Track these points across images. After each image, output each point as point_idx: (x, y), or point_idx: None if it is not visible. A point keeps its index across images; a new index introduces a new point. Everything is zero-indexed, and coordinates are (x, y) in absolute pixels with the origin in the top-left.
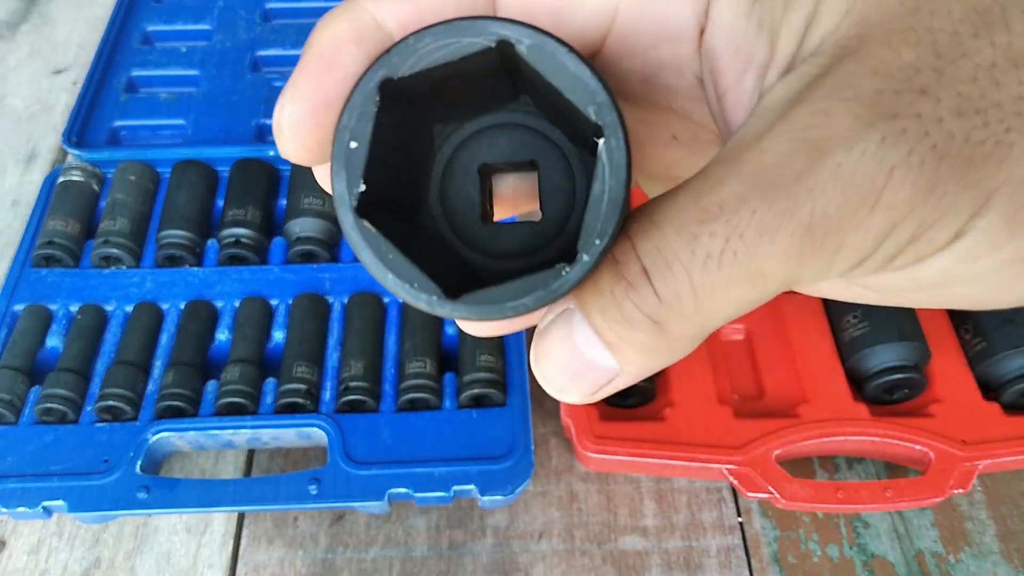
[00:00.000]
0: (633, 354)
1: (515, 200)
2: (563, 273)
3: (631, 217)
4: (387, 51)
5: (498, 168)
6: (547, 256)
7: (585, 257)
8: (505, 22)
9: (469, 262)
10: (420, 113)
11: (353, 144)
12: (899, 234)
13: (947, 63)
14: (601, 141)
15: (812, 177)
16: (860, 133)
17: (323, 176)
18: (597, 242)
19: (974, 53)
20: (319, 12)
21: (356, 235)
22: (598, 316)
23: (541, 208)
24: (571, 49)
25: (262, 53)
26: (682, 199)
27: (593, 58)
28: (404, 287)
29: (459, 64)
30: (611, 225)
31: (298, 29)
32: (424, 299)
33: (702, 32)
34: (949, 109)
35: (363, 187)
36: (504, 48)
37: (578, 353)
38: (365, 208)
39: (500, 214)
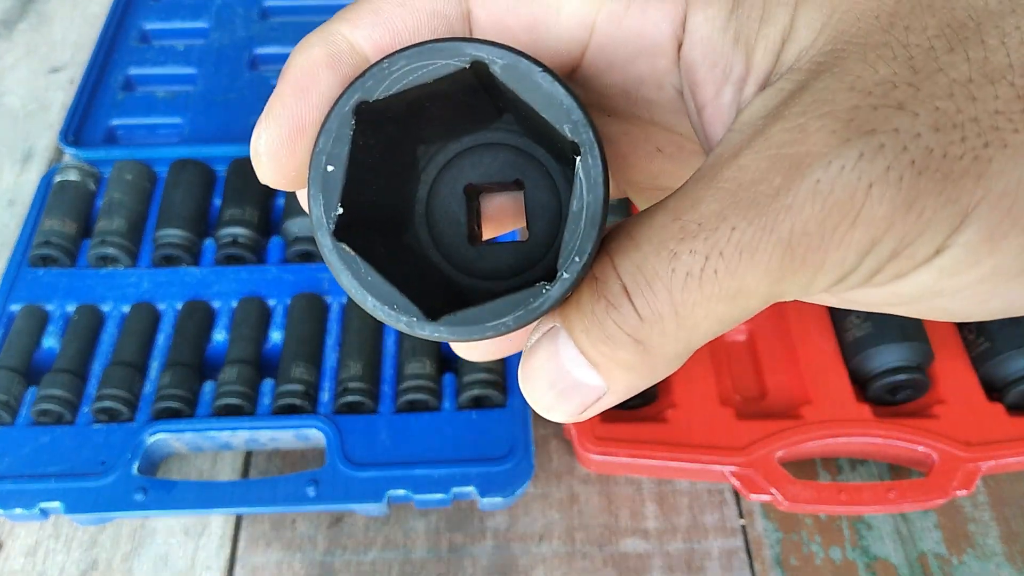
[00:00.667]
0: (618, 372)
1: (502, 219)
2: (544, 291)
3: (611, 235)
4: (361, 74)
5: (484, 188)
6: (534, 275)
7: (565, 275)
8: (479, 43)
9: (456, 283)
10: (401, 134)
11: (330, 168)
12: (880, 250)
13: (923, 78)
14: (578, 159)
15: (791, 194)
16: (838, 149)
17: (304, 200)
18: (576, 259)
19: (950, 68)
20: (316, 10)
21: (335, 258)
22: (582, 335)
23: (528, 226)
24: (544, 68)
25: (260, 51)
26: (661, 217)
27: (572, 73)
28: (383, 309)
29: (434, 85)
30: (589, 242)
31: (296, 27)
32: (404, 321)
33: (680, 46)
34: (926, 124)
35: (340, 210)
36: (479, 68)
37: (564, 372)
38: (343, 231)
39: (488, 233)
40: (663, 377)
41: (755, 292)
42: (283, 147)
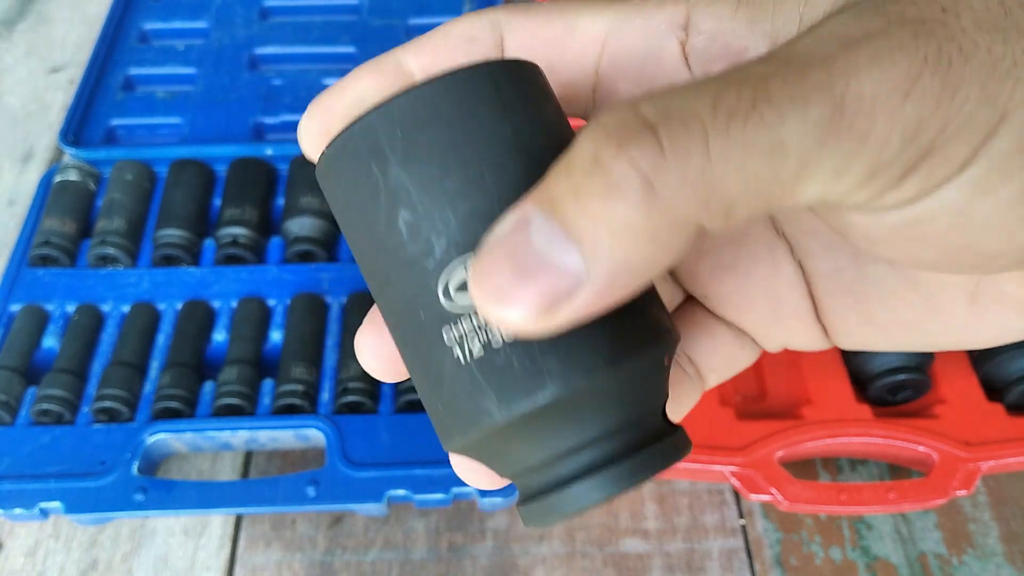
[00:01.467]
0: (607, 241)
1: None
2: None
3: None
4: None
5: None
6: None
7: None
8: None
9: None
10: None
11: None
12: (923, 136)
13: None
14: None
15: (850, 57)
16: (893, 29)
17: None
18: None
19: None
20: (316, 10)
21: None
22: (569, 196)
23: None
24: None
25: (260, 51)
26: (696, 82)
27: (594, 86)
28: None
29: None
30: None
31: (295, 27)
32: None
33: (684, 45)
34: (971, 22)
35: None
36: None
37: (531, 248)
38: None
39: None
40: (655, 259)
41: (794, 150)
42: (320, 136)
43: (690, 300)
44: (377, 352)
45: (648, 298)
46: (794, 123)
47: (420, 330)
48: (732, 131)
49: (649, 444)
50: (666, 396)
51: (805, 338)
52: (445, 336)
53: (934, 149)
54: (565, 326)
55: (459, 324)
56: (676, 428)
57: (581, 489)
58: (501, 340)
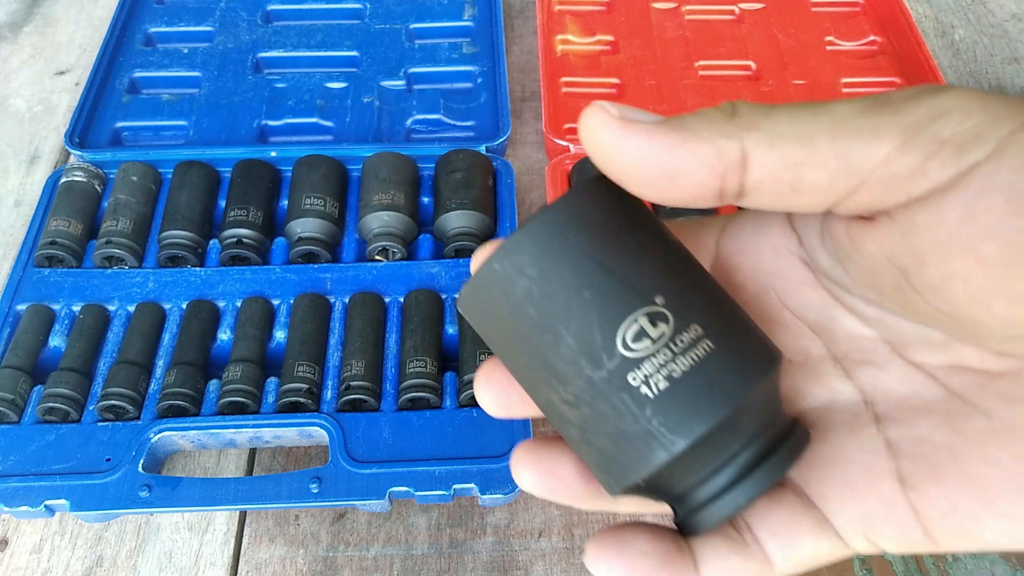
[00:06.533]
0: (686, 118)
1: None
2: None
3: None
4: None
5: None
6: None
7: None
8: None
9: None
10: None
11: None
12: (950, 118)
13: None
14: None
15: (888, 95)
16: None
17: None
18: None
19: None
20: (320, 14)
21: None
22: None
23: None
24: None
25: (264, 54)
26: None
27: None
28: None
29: None
30: None
31: (299, 31)
32: None
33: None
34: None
35: None
36: None
37: (632, 113)
38: None
39: None
40: (702, 148)
41: (836, 113)
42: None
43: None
44: (496, 398)
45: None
46: (841, 105)
47: (594, 385)
48: (787, 107)
49: (784, 439)
50: (781, 398)
51: (888, 519)
52: (631, 378)
53: (962, 131)
54: (620, 143)
55: (642, 367)
56: (794, 421)
57: (742, 489)
58: (680, 371)
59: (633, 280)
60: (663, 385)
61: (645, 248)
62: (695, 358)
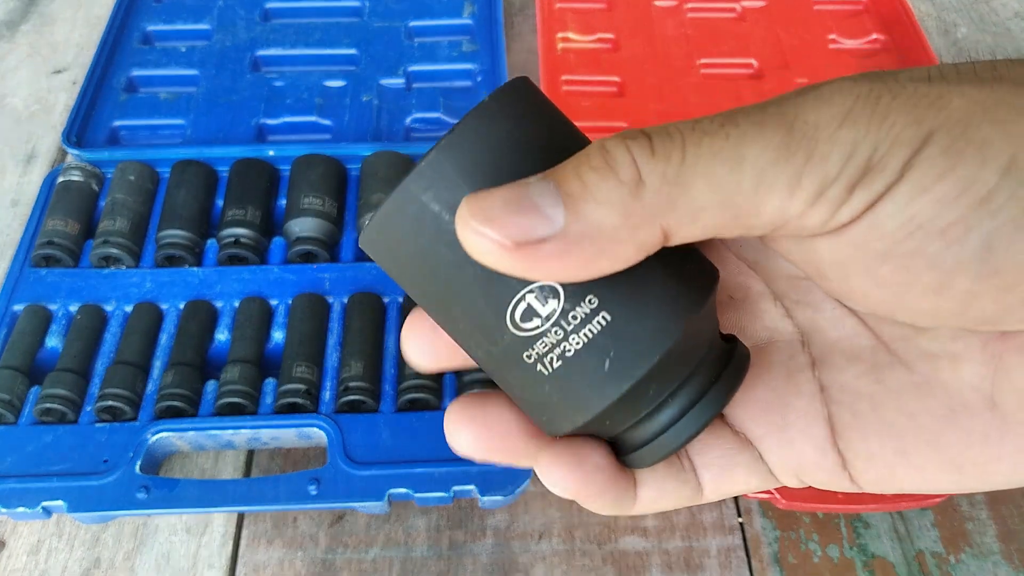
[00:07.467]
0: (589, 207)
1: None
2: None
3: None
4: None
5: None
6: None
7: None
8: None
9: None
10: None
11: None
12: (858, 154)
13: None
14: None
15: (800, 96)
16: (837, 80)
17: None
18: None
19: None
20: (319, 12)
21: None
22: (570, 168)
23: None
24: None
25: (262, 53)
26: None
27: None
28: None
29: None
30: None
31: (297, 29)
32: None
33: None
34: (904, 76)
35: None
36: None
37: (526, 195)
38: None
39: None
40: (619, 249)
41: (751, 165)
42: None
43: None
44: (422, 348)
45: (689, 250)
46: (752, 142)
47: (494, 358)
48: (703, 144)
49: (721, 369)
50: (717, 321)
51: (818, 464)
52: (525, 356)
53: (872, 167)
54: (524, 267)
55: (534, 346)
56: (732, 342)
57: (681, 426)
58: (573, 349)
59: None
60: (556, 364)
61: None
62: (588, 335)
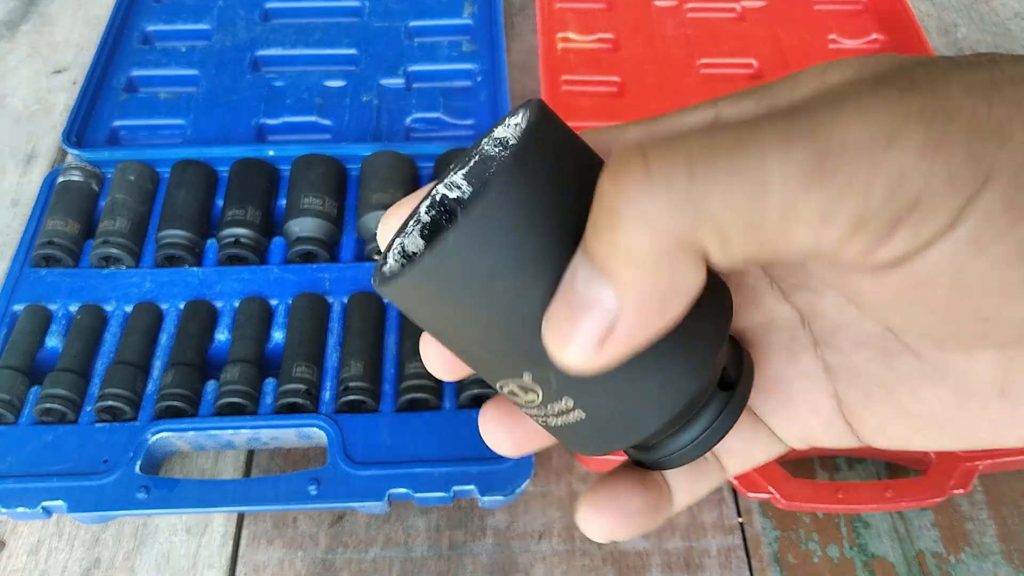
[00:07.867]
0: (626, 270)
1: None
2: None
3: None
4: None
5: None
6: None
7: None
8: None
9: None
10: None
11: None
12: (907, 188)
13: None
14: None
15: (835, 109)
16: (881, 87)
17: None
18: None
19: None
20: (319, 12)
21: None
22: (593, 236)
23: None
24: None
25: (262, 53)
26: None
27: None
28: None
29: None
30: None
31: (297, 28)
32: None
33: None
34: (959, 88)
35: None
36: None
37: (577, 292)
38: None
39: None
40: (680, 286)
41: (777, 190)
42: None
43: None
44: (441, 353)
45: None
46: (777, 162)
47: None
48: (718, 159)
49: (740, 367)
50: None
51: (827, 434)
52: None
53: (920, 203)
54: (619, 357)
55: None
56: (738, 353)
57: (696, 444)
58: (554, 426)
59: (510, 343)
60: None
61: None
62: (565, 424)
